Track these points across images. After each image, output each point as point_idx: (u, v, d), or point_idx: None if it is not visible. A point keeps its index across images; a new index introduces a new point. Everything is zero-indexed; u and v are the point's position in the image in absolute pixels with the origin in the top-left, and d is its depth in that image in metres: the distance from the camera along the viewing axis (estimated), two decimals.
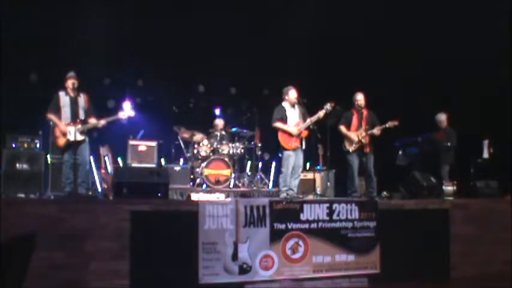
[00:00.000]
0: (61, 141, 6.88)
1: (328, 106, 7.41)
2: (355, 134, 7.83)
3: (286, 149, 7.35)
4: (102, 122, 7.03)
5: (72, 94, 6.97)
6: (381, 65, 9.91)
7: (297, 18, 10.01)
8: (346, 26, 9.81)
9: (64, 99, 6.97)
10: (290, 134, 7.35)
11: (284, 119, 7.43)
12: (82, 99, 7.03)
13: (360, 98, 7.94)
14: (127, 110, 7.19)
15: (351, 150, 7.82)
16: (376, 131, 7.78)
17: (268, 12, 10.09)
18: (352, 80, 9.32)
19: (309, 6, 9.79)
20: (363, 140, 7.77)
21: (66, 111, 6.92)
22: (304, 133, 7.47)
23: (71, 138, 6.76)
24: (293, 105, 7.53)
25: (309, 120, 7.44)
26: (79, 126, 6.86)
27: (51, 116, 6.95)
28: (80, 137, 6.86)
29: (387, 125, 7.78)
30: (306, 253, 6.16)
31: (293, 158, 7.36)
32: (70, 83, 6.95)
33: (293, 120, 7.47)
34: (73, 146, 6.77)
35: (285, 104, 7.54)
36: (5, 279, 3.06)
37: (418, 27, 9.43)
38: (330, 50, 10.09)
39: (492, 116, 9.00)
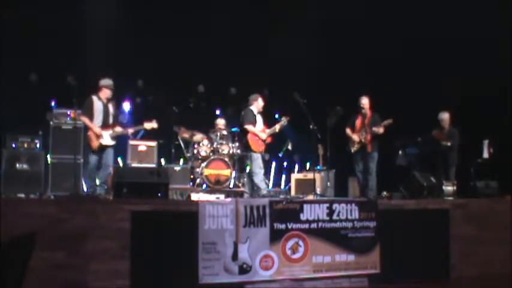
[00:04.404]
0: (95, 144, 7.07)
1: (283, 121, 8.13)
2: (356, 135, 8.14)
3: (255, 151, 7.88)
4: (130, 130, 7.45)
5: (104, 100, 7.12)
6: (381, 64, 9.91)
7: (298, 19, 10.01)
8: (346, 25, 9.81)
9: (97, 104, 7.15)
10: (259, 138, 7.89)
11: (254, 123, 7.97)
12: (111, 106, 7.24)
13: (364, 102, 8.24)
14: (152, 122, 7.51)
15: (353, 151, 8.19)
16: (377, 129, 7.94)
17: (269, 12, 10.08)
18: (352, 80, 9.32)
19: (311, 8, 9.79)
20: (363, 140, 8.02)
21: (98, 116, 7.10)
22: (269, 139, 8.10)
23: (104, 142, 7.05)
24: (258, 112, 8.08)
25: (272, 129, 8.09)
26: (110, 131, 7.11)
27: (85, 119, 7.10)
28: (111, 142, 7.16)
29: (382, 125, 8.01)
30: (306, 253, 6.15)
31: (261, 160, 7.93)
32: (107, 92, 7.10)
33: (259, 126, 8.03)
34: (100, 149, 7.10)
35: (253, 108, 8.05)
36: (5, 279, 3.06)
37: (418, 27, 9.43)
38: (330, 49, 10.08)
39: (492, 116, 9.00)
